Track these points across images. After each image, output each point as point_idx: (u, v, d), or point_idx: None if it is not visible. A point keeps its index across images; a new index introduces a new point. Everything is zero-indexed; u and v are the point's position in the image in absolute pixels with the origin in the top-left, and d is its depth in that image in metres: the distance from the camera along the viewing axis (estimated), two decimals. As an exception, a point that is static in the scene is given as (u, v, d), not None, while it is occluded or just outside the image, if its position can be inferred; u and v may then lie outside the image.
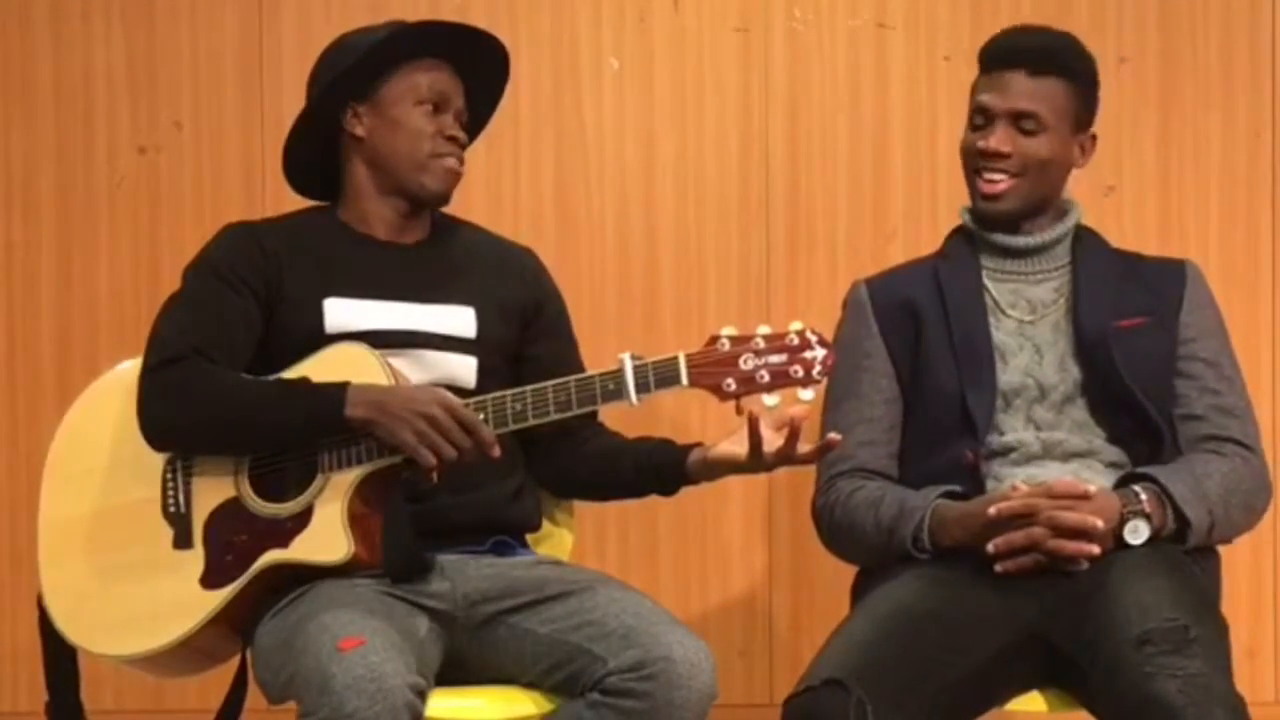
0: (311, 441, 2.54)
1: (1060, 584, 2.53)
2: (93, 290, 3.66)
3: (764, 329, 2.44)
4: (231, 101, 3.67)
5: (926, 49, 3.68)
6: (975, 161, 2.74)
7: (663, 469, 2.66)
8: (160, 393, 2.57)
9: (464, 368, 2.68)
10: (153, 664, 2.66)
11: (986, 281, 2.78)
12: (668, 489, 2.69)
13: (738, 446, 2.55)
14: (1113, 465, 2.69)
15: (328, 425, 2.51)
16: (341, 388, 2.50)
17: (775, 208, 3.68)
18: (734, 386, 2.41)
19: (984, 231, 2.79)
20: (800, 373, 2.41)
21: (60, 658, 2.68)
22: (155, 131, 3.67)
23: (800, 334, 2.43)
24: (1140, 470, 2.64)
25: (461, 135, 2.73)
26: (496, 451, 2.49)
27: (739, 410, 2.44)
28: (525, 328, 2.79)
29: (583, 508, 2.99)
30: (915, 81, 3.68)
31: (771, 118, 3.68)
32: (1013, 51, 2.75)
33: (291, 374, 2.60)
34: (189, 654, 2.63)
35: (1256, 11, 3.68)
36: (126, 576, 2.61)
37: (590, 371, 2.52)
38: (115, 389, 2.71)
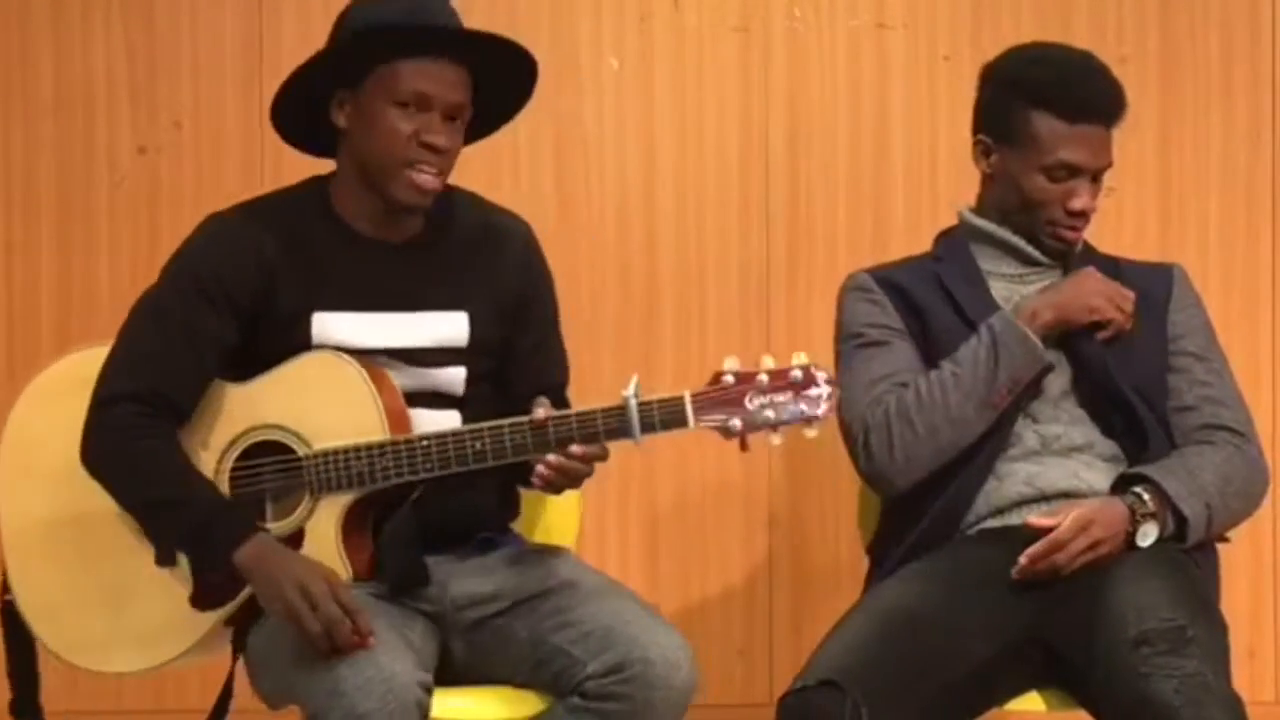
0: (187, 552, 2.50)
1: (1058, 585, 2.53)
2: (93, 290, 3.66)
3: (768, 361, 2.39)
4: (231, 101, 3.67)
5: (926, 49, 3.68)
6: (1058, 215, 2.73)
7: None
8: (102, 432, 2.50)
9: (453, 378, 2.61)
10: (152, 672, 2.61)
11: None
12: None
13: None
14: (1111, 459, 2.70)
15: (209, 560, 2.45)
16: (245, 530, 2.42)
17: (775, 208, 3.68)
18: (739, 426, 2.37)
19: (993, 225, 2.79)
20: (805, 410, 2.36)
21: (22, 655, 2.61)
22: (155, 131, 3.67)
23: (805, 369, 2.37)
24: (1135, 470, 2.64)
25: (443, 142, 2.51)
26: (371, 643, 2.35)
27: (743, 447, 2.40)
28: (514, 321, 2.69)
29: (583, 509, 2.99)
30: (915, 81, 3.69)
31: (771, 118, 3.68)
32: (1100, 106, 2.72)
33: (266, 382, 2.53)
34: (184, 661, 2.60)
35: (1256, 11, 3.68)
36: (108, 594, 2.56)
37: (592, 407, 2.43)
38: (64, 386, 2.61)
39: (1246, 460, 2.71)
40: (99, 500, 2.53)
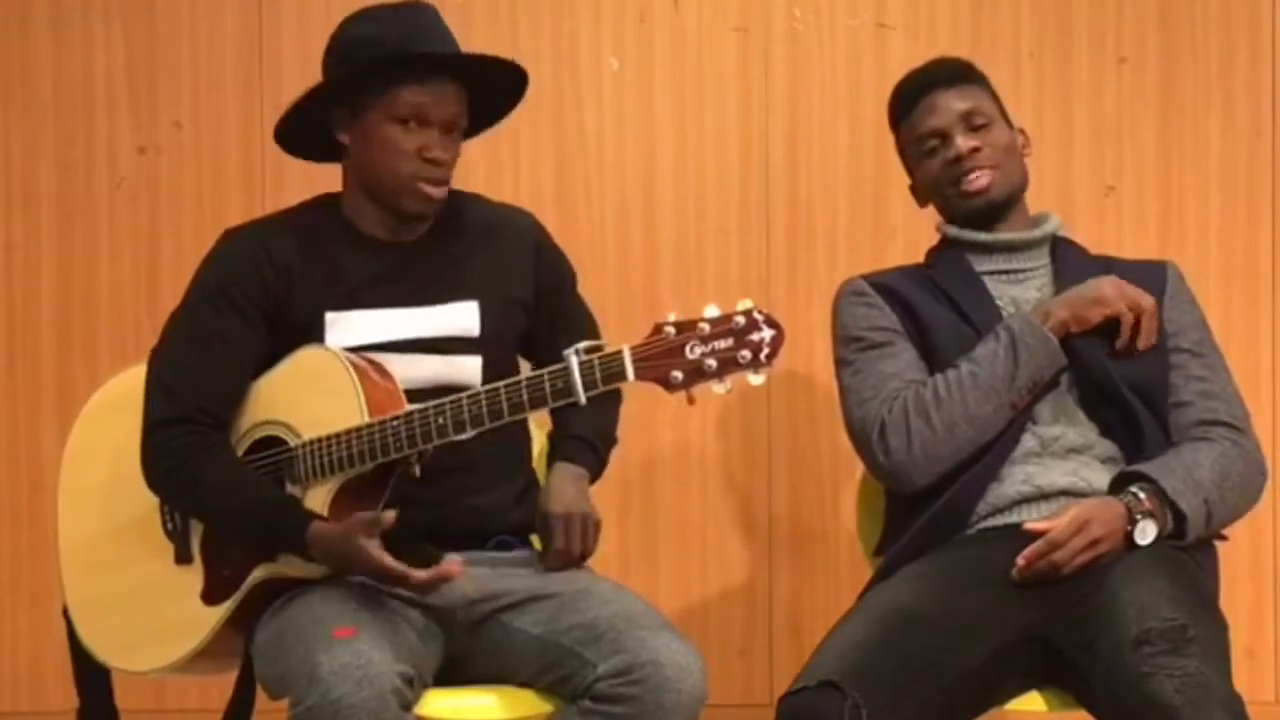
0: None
1: (1059, 584, 2.53)
2: (93, 290, 3.67)
3: (710, 310, 2.33)
4: (231, 101, 3.67)
5: (926, 49, 3.66)
6: (952, 173, 2.81)
7: None
8: (158, 457, 2.58)
9: (468, 368, 2.64)
10: (171, 671, 2.67)
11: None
12: None
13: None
14: (1109, 460, 2.70)
15: (290, 550, 2.52)
16: (304, 523, 2.48)
17: (775, 208, 3.68)
18: (681, 378, 2.30)
19: (969, 231, 2.82)
20: (748, 357, 2.29)
21: (91, 667, 2.71)
22: (155, 131, 3.67)
23: (747, 314, 2.30)
24: (1133, 469, 2.65)
25: (443, 155, 2.59)
26: (457, 570, 2.47)
27: (690, 401, 2.34)
28: (529, 313, 2.74)
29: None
30: (915, 81, 3.68)
31: (771, 118, 3.68)
32: (924, 78, 2.87)
33: (266, 379, 2.59)
34: (202, 661, 2.65)
35: (1256, 11, 3.68)
36: (140, 593, 2.65)
37: (540, 371, 2.43)
38: (114, 404, 2.72)
39: (1244, 454, 2.71)
40: (136, 508, 2.64)
